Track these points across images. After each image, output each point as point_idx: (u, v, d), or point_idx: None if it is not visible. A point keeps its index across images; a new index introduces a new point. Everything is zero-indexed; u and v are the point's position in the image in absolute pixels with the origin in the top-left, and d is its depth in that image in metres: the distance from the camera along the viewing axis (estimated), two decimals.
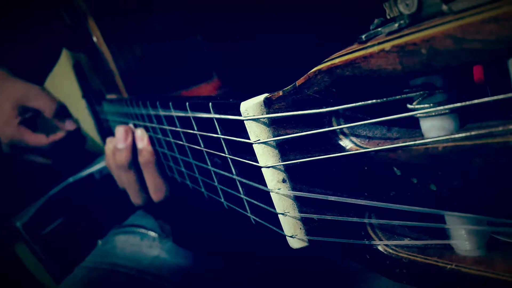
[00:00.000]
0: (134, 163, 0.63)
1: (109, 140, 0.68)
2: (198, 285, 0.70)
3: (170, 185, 0.64)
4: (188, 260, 0.72)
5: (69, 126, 0.95)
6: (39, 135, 0.93)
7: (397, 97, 0.22)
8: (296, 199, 0.33)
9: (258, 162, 0.33)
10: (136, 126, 0.67)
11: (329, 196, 0.29)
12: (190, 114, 0.44)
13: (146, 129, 0.63)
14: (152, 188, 0.63)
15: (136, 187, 0.65)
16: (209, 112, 0.39)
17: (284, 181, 0.33)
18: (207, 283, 0.70)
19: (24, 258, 1.09)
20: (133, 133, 0.63)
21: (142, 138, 0.63)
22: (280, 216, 0.34)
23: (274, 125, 0.31)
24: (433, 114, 0.21)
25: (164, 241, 0.77)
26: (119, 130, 0.64)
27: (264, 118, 0.31)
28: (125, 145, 0.62)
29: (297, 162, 0.30)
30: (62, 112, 0.95)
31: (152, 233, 0.80)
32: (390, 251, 0.27)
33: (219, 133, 0.39)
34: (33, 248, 1.03)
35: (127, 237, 0.79)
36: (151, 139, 0.63)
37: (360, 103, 0.24)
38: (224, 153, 0.40)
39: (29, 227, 1.03)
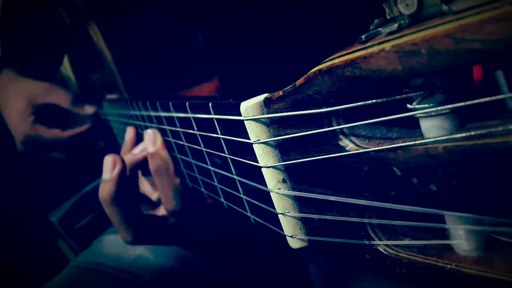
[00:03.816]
0: (119, 198, 0.57)
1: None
2: (179, 285, 0.69)
3: (187, 195, 0.58)
4: (171, 261, 0.71)
5: (88, 110, 0.96)
6: (54, 130, 0.94)
7: (397, 97, 0.22)
8: (296, 199, 0.33)
9: (258, 162, 0.33)
10: (145, 127, 0.63)
11: (329, 196, 0.29)
12: (190, 114, 0.44)
13: (146, 128, 0.63)
14: (164, 198, 0.58)
15: (121, 224, 0.59)
16: (209, 112, 0.39)
17: (284, 181, 0.33)
18: (189, 284, 0.69)
19: (65, 251, 1.12)
20: (122, 163, 0.58)
21: (154, 140, 0.56)
22: (280, 216, 0.34)
23: (274, 125, 0.31)
24: (433, 114, 0.21)
25: None
26: (107, 160, 0.58)
27: (264, 118, 0.31)
28: (110, 176, 0.57)
29: (297, 162, 0.30)
30: (79, 99, 0.96)
31: None
32: (390, 251, 0.27)
33: (219, 133, 0.39)
34: (69, 242, 1.06)
35: (116, 236, 0.78)
36: None
37: (360, 103, 0.24)
38: (224, 153, 0.40)
39: (63, 222, 1.06)
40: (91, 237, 1.07)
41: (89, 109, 0.96)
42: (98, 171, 0.99)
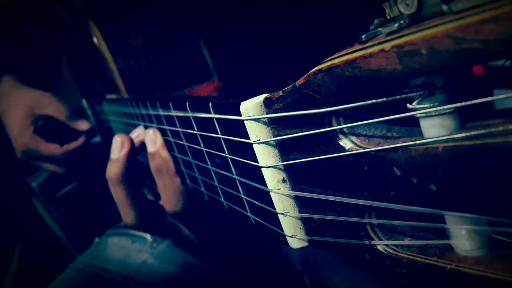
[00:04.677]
0: (126, 178, 0.58)
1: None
2: None
3: (188, 195, 0.58)
4: (176, 267, 0.70)
5: (82, 126, 0.96)
6: (52, 145, 0.95)
7: (397, 97, 0.22)
8: (296, 199, 0.33)
9: (258, 162, 0.33)
10: (145, 127, 0.62)
11: (329, 196, 0.29)
12: (190, 114, 0.44)
13: (146, 128, 0.63)
14: (164, 198, 0.58)
15: (125, 205, 0.59)
16: (209, 112, 0.39)
17: (284, 181, 0.33)
18: None
19: (42, 213, 1.11)
20: (131, 143, 0.58)
21: (154, 140, 0.57)
22: (280, 216, 0.34)
23: (274, 125, 0.31)
24: (433, 114, 0.21)
25: (155, 245, 0.75)
26: (116, 140, 0.58)
27: (264, 118, 0.31)
28: (118, 155, 0.57)
29: (297, 162, 0.30)
30: (75, 113, 0.97)
31: (145, 235, 0.78)
32: (390, 251, 0.27)
33: (219, 133, 0.39)
34: (48, 208, 1.05)
35: (119, 239, 0.78)
36: None
37: (360, 103, 0.24)
38: (224, 153, 0.40)
39: (44, 188, 1.05)
40: (73, 206, 1.06)
41: (83, 125, 0.96)
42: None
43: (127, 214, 0.61)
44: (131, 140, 0.59)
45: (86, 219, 0.97)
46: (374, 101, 0.23)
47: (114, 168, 0.57)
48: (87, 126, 0.97)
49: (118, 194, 0.59)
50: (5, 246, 1.18)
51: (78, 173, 1.06)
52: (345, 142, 0.26)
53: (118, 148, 0.58)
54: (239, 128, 0.34)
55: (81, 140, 0.97)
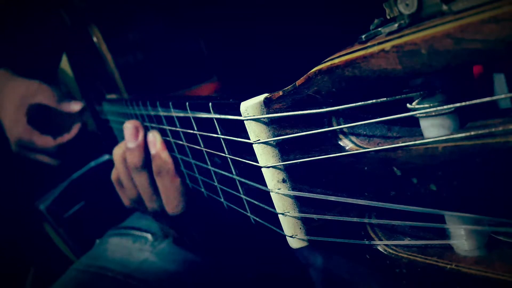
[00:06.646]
0: (147, 164, 0.56)
1: (117, 147, 0.61)
2: None
3: (189, 196, 0.58)
4: (177, 265, 0.71)
5: (74, 107, 0.94)
6: (46, 137, 0.93)
7: (397, 97, 0.22)
8: (296, 199, 0.33)
9: (258, 162, 0.33)
10: (145, 127, 0.61)
11: (329, 196, 0.29)
12: (190, 114, 0.44)
13: (146, 129, 0.63)
14: (165, 200, 0.58)
15: (150, 192, 0.58)
16: (209, 112, 0.39)
17: (284, 181, 0.33)
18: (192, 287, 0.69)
19: (52, 236, 1.12)
20: (144, 129, 0.57)
21: (154, 143, 0.56)
22: (280, 216, 0.34)
23: (274, 125, 0.31)
24: (433, 114, 0.21)
25: (156, 244, 0.75)
26: (128, 127, 0.56)
27: (264, 118, 0.31)
28: (136, 143, 0.55)
29: (297, 162, 0.30)
30: (66, 97, 0.95)
31: (146, 235, 0.78)
32: (390, 251, 0.27)
33: (219, 133, 0.39)
34: (57, 230, 1.06)
35: (120, 240, 0.78)
36: None
37: (360, 103, 0.24)
38: (224, 153, 0.40)
39: (52, 210, 1.05)
40: (81, 227, 1.07)
41: (75, 106, 0.94)
42: (83, 159, 0.99)
43: (150, 201, 0.59)
44: (143, 125, 0.57)
45: (94, 238, 0.98)
46: (374, 101, 0.23)
47: (136, 156, 0.55)
48: (80, 106, 0.94)
49: (142, 181, 0.57)
50: (17, 274, 1.19)
51: (86, 192, 1.07)
52: (345, 142, 0.26)
53: (134, 135, 0.56)
54: (239, 128, 0.34)
55: (74, 131, 0.96)
